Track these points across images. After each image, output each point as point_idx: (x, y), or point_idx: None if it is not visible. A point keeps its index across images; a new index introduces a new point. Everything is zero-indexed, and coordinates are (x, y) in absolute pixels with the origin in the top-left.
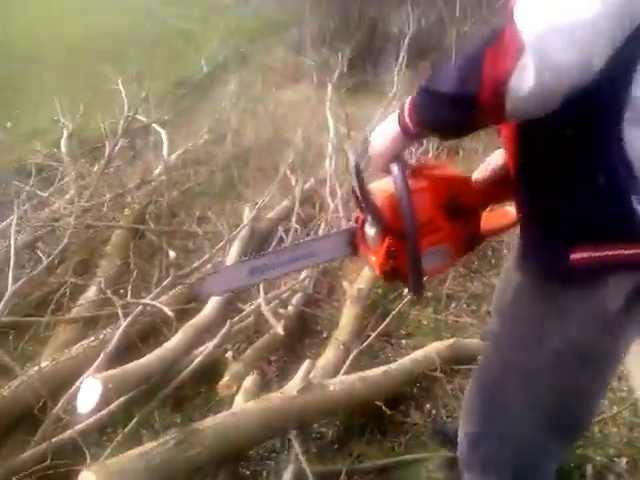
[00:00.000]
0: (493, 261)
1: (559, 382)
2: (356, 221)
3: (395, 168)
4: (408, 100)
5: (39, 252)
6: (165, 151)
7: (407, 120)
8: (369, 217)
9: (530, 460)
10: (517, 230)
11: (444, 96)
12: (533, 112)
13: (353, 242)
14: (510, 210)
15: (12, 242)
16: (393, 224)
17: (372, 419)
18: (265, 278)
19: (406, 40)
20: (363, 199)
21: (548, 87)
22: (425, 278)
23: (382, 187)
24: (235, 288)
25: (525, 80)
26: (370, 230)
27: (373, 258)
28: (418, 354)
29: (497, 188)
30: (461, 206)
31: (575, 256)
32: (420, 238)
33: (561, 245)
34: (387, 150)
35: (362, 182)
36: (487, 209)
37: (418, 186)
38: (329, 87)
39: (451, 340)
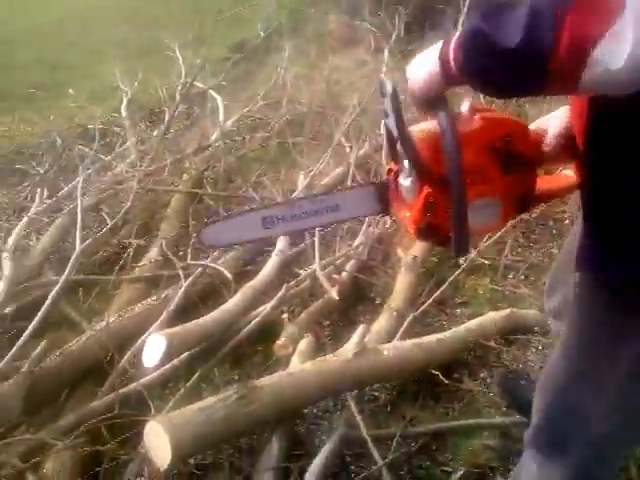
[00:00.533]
0: (554, 231)
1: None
2: (388, 173)
3: (438, 102)
4: (457, 35)
5: (103, 214)
6: (221, 117)
7: (450, 58)
8: (405, 163)
9: (601, 454)
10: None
11: (503, 49)
12: (618, 88)
13: (384, 198)
14: (569, 174)
15: (78, 203)
16: (434, 168)
17: (425, 385)
18: (278, 232)
19: (466, 1)
20: (399, 135)
21: None
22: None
23: (422, 127)
24: (241, 240)
25: (617, 51)
26: (405, 180)
27: (407, 214)
28: (473, 323)
29: (557, 145)
30: (516, 154)
31: None
32: (467, 187)
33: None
34: (425, 85)
35: (399, 113)
36: (542, 170)
37: (466, 127)
38: (385, 52)
39: (507, 310)
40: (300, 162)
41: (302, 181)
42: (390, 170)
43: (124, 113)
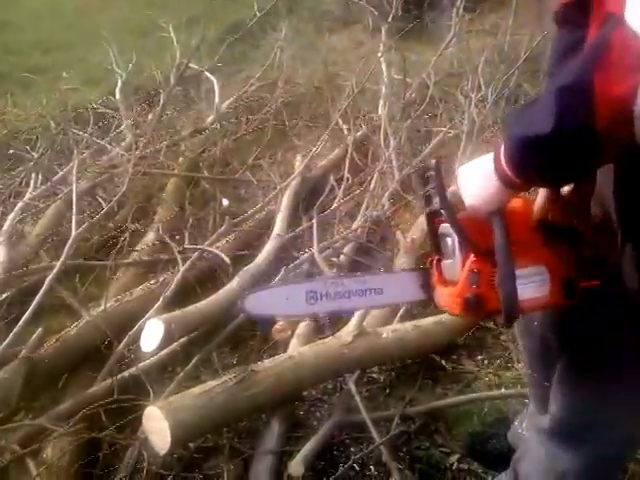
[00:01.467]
0: None
1: None
2: (431, 263)
3: (497, 219)
4: (502, 150)
5: (99, 198)
6: (217, 99)
7: (510, 175)
8: (448, 241)
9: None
10: None
11: (547, 139)
12: None
13: (427, 284)
14: None
15: (74, 188)
16: (478, 238)
17: (424, 367)
18: (322, 310)
19: None
20: (443, 206)
21: None
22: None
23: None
24: (284, 314)
25: None
26: (448, 260)
27: (450, 290)
28: None
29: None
30: (553, 226)
31: None
32: (512, 254)
33: None
34: (493, 202)
35: (443, 190)
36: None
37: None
38: (383, 31)
39: None
40: (297, 144)
41: (299, 163)
42: (432, 259)
43: (119, 96)
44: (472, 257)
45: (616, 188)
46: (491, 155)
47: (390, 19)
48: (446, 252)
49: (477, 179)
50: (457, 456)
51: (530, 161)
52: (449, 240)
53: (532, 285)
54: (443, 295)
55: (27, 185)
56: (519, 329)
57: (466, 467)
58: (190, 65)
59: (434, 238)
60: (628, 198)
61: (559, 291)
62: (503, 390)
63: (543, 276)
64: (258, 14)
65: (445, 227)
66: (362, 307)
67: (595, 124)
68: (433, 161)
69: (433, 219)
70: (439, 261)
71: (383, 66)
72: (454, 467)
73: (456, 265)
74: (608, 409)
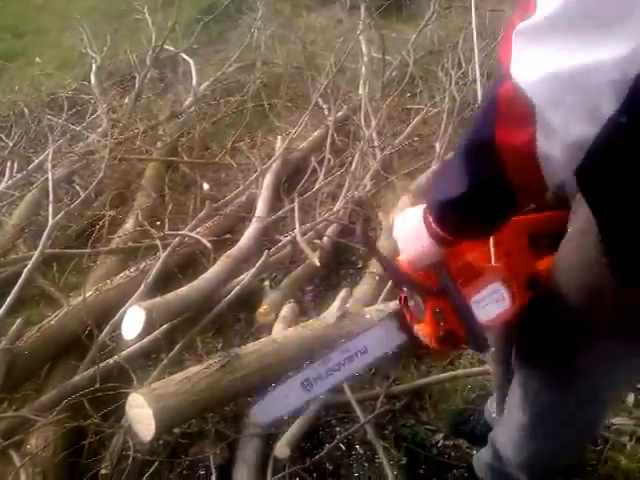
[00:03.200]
0: None
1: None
2: (400, 301)
3: (437, 269)
4: (426, 214)
5: (76, 186)
6: (194, 81)
7: (440, 233)
8: (404, 288)
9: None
10: None
11: (459, 200)
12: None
13: (404, 325)
14: None
15: (50, 176)
16: (428, 283)
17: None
18: (320, 391)
19: None
20: (386, 269)
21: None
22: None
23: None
24: (289, 410)
25: (554, 146)
26: (411, 301)
27: (424, 330)
28: None
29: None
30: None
31: None
32: (461, 285)
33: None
34: (428, 257)
35: (377, 252)
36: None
37: None
38: (362, 9)
39: None
40: (277, 125)
41: (280, 145)
42: (401, 297)
43: (94, 80)
44: (429, 300)
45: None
46: (420, 216)
47: None
48: (408, 293)
49: (410, 237)
50: (442, 433)
51: (456, 221)
52: (405, 288)
53: (493, 304)
54: (421, 333)
55: (2, 174)
56: None
57: (451, 443)
58: (166, 47)
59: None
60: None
61: (522, 293)
62: (486, 366)
63: (500, 290)
64: None
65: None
66: (355, 371)
67: (506, 176)
68: (358, 229)
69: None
70: (406, 299)
71: (362, 45)
72: (439, 444)
73: (419, 307)
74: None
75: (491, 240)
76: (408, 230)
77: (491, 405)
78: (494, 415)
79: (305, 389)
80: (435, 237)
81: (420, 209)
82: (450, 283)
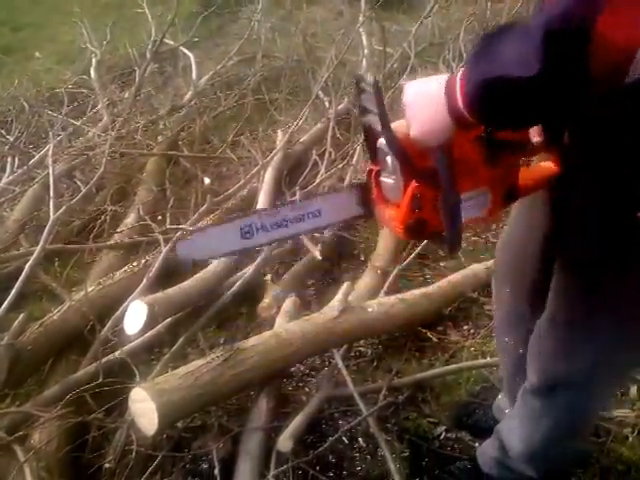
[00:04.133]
0: None
1: (622, 331)
2: (369, 174)
3: (441, 153)
4: (458, 86)
5: (77, 181)
6: (194, 75)
7: (464, 113)
8: (388, 160)
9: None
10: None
11: (528, 82)
12: None
13: (366, 200)
14: (549, 165)
15: (50, 171)
16: (420, 162)
17: (411, 339)
18: (259, 242)
19: None
20: (384, 130)
21: None
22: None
23: (403, 123)
24: (220, 254)
25: None
26: (388, 178)
27: (393, 213)
28: (456, 276)
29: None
30: (501, 142)
31: None
32: (456, 184)
33: (627, 204)
34: (437, 139)
35: (383, 108)
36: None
37: None
38: (362, 1)
39: (490, 262)
40: (278, 119)
41: (280, 138)
42: (370, 171)
43: (93, 75)
44: (414, 182)
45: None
46: (442, 85)
47: None
48: (386, 169)
49: (425, 110)
50: (444, 427)
51: (498, 105)
52: (389, 159)
53: (474, 207)
54: (385, 215)
55: (3, 170)
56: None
57: (454, 436)
58: (166, 41)
59: (370, 147)
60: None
61: (500, 203)
62: (488, 359)
63: (485, 195)
64: None
65: (384, 144)
66: (302, 232)
67: (589, 72)
68: (371, 79)
69: (370, 131)
70: (377, 174)
71: (363, 37)
72: (442, 437)
73: (397, 187)
74: (578, 363)
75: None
76: (423, 101)
77: (503, 401)
78: (507, 411)
79: (244, 236)
80: (454, 115)
81: (443, 79)
82: (447, 170)
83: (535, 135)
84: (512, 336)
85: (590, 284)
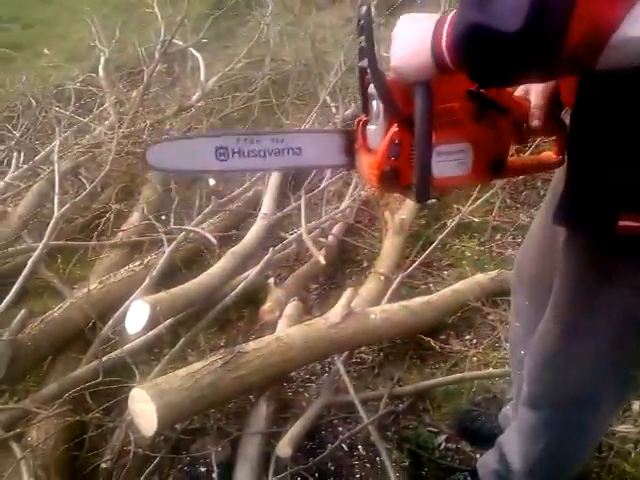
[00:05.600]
0: (542, 192)
1: (619, 355)
2: (357, 124)
3: (420, 89)
4: (446, 26)
5: (82, 178)
6: (202, 76)
7: (445, 54)
8: (374, 104)
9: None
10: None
11: (505, 39)
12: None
13: (350, 150)
14: (548, 155)
15: (56, 168)
16: (404, 108)
17: (413, 347)
18: (233, 167)
19: None
20: (370, 65)
21: None
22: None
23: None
24: (190, 169)
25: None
26: (372, 124)
27: (369, 159)
28: (460, 285)
29: (542, 115)
30: (490, 100)
31: (623, 223)
32: (434, 127)
33: (610, 208)
34: (415, 73)
35: (372, 43)
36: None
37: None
38: (372, 7)
39: (494, 272)
40: (285, 122)
41: None
42: (359, 121)
43: (101, 73)
44: (395, 126)
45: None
46: (434, 22)
47: None
48: (371, 115)
49: (409, 41)
50: (445, 436)
51: (474, 54)
52: (375, 103)
53: (453, 163)
54: (363, 164)
55: (8, 165)
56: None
57: (454, 446)
58: (174, 41)
59: (364, 97)
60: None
61: (484, 169)
62: (491, 369)
63: (467, 154)
64: None
65: (370, 89)
66: (278, 168)
67: (563, 40)
68: (364, 8)
69: (364, 75)
70: (365, 124)
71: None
72: (442, 447)
73: (379, 133)
74: (572, 371)
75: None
76: (412, 32)
77: (512, 411)
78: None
79: (218, 157)
80: (436, 58)
81: (434, 19)
82: (424, 112)
83: (535, 119)
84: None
85: (582, 293)
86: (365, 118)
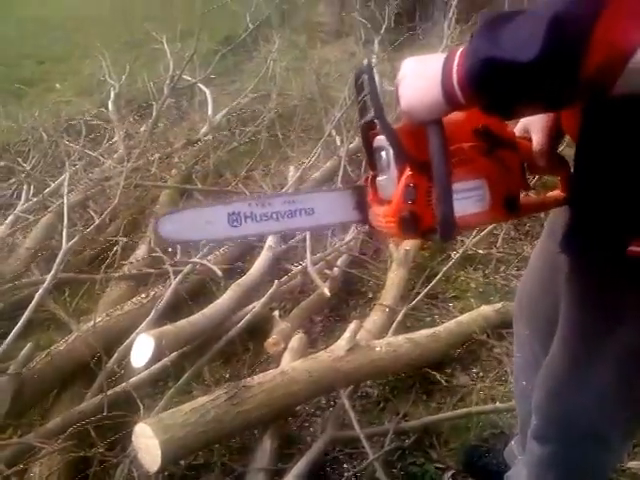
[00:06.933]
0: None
1: (627, 388)
2: (365, 180)
3: (433, 129)
4: (456, 63)
5: (90, 211)
6: (210, 110)
7: (456, 90)
8: (383, 155)
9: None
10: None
11: (520, 68)
12: None
13: (361, 204)
14: (556, 193)
15: (65, 201)
16: (415, 152)
17: (418, 381)
18: (247, 233)
19: None
20: (377, 113)
21: None
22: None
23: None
24: (203, 238)
25: None
26: (383, 175)
27: (385, 209)
28: (465, 317)
29: (544, 153)
30: (498, 136)
31: (633, 249)
32: (450, 165)
33: (620, 234)
34: (426, 111)
35: (376, 91)
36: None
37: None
38: (375, 43)
39: (499, 304)
40: (290, 155)
41: (292, 174)
42: (367, 177)
43: (111, 107)
44: (408, 171)
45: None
46: (442, 60)
47: (382, 31)
48: (381, 167)
49: (418, 81)
50: (452, 472)
51: (489, 87)
52: (384, 154)
53: (471, 200)
54: (378, 215)
55: (18, 197)
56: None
57: None
58: (183, 77)
59: (369, 153)
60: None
61: (500, 206)
62: (498, 404)
63: (483, 190)
64: (251, 26)
65: (381, 140)
66: (292, 229)
67: (582, 66)
68: (365, 61)
69: (368, 131)
70: (374, 178)
71: (376, 77)
72: None
73: (391, 181)
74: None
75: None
76: (419, 71)
77: (517, 446)
78: (519, 457)
79: (231, 223)
80: (448, 94)
81: (441, 58)
82: (440, 149)
83: (540, 157)
84: (531, 380)
85: (589, 325)
86: (372, 174)
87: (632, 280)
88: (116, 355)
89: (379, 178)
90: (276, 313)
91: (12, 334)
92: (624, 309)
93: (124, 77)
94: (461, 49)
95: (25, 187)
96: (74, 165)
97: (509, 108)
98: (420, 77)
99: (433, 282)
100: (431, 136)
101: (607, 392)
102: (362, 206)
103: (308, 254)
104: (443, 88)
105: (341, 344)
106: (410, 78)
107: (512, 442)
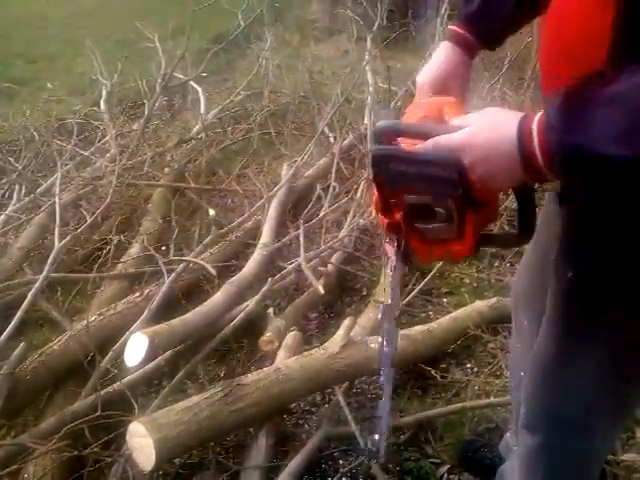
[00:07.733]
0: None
1: (615, 375)
2: (392, 248)
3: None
4: (535, 143)
5: (83, 210)
6: (202, 109)
7: (541, 165)
8: (441, 211)
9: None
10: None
11: (621, 160)
12: None
13: (405, 255)
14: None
15: (57, 200)
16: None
17: (413, 376)
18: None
19: None
20: (436, 161)
21: None
22: None
23: None
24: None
25: None
26: (436, 224)
27: (455, 247)
28: (459, 313)
29: None
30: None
31: None
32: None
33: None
34: (505, 183)
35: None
36: None
37: None
38: (368, 40)
39: (493, 299)
40: (284, 153)
41: (286, 172)
42: (390, 246)
43: (103, 106)
44: (469, 210)
45: None
46: (514, 131)
47: (375, 28)
48: (429, 219)
49: (492, 154)
50: (447, 467)
51: (579, 173)
52: (441, 209)
53: None
54: (441, 252)
55: (10, 197)
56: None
57: (456, 478)
58: (175, 75)
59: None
60: None
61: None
62: (492, 398)
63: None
64: (243, 24)
65: (418, 199)
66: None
67: None
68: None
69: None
70: (409, 225)
71: (368, 75)
72: (444, 478)
73: (452, 226)
74: (563, 394)
75: None
76: (489, 146)
77: (511, 437)
78: (515, 447)
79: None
80: (531, 170)
81: (513, 121)
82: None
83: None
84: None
85: (577, 312)
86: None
87: (621, 270)
88: (110, 354)
89: (421, 225)
90: (270, 310)
91: (5, 334)
92: (612, 297)
93: (116, 76)
94: (536, 122)
95: (17, 187)
96: (66, 164)
97: (593, 187)
98: (491, 150)
99: (427, 278)
100: (519, 197)
101: (593, 382)
102: (405, 256)
103: (302, 251)
104: (527, 168)
105: (335, 341)
106: (479, 152)
107: (507, 434)
